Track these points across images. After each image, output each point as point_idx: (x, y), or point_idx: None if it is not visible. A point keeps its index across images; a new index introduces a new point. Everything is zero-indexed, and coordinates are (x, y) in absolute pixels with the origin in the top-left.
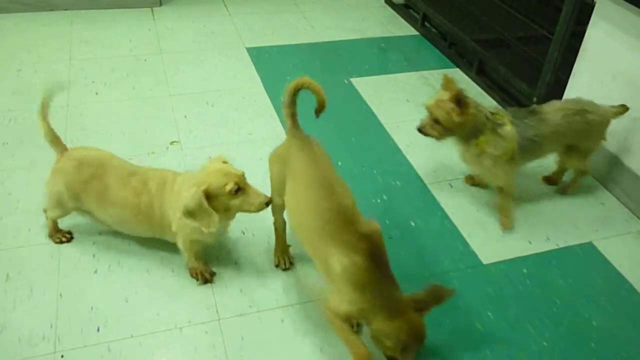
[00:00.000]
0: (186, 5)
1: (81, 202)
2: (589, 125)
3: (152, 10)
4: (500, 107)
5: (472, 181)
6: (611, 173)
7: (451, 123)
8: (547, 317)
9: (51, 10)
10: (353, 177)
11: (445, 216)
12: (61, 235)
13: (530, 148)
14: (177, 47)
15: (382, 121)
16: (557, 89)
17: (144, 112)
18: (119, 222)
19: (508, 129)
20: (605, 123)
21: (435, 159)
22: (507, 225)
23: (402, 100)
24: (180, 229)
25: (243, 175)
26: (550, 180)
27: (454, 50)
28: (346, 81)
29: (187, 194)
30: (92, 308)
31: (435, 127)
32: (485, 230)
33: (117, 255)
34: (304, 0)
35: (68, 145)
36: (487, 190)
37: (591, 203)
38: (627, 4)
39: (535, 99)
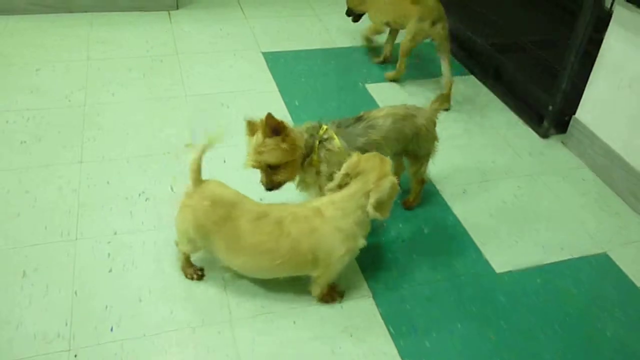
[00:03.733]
0: (203, 8)
1: (211, 242)
2: (418, 129)
3: (169, 13)
4: (322, 120)
5: None
6: (627, 183)
7: (286, 155)
8: (560, 328)
9: (71, 12)
10: None
11: (457, 223)
12: (193, 272)
13: None
14: (193, 49)
15: None
16: (573, 96)
17: (159, 113)
18: (251, 269)
19: (336, 142)
20: (432, 124)
21: (448, 165)
22: None
23: None
24: (347, 251)
25: None
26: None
27: (469, 56)
28: (360, 86)
29: (383, 187)
30: (106, 306)
31: (278, 173)
32: (498, 238)
33: (132, 255)
34: (320, 5)
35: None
36: (501, 198)
37: (606, 213)
38: None
39: (551, 107)
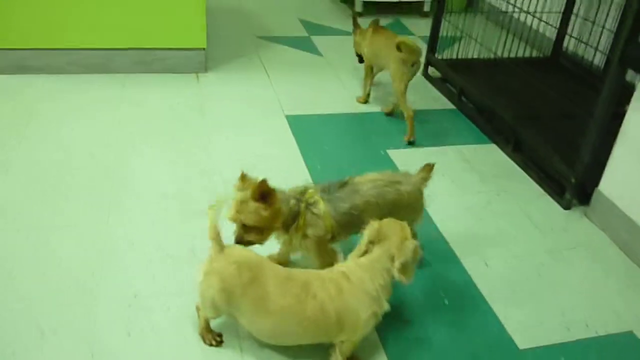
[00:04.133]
0: (230, 72)
1: (236, 307)
2: (401, 196)
3: (197, 76)
4: (308, 184)
5: None
6: None
7: (262, 221)
8: None
9: (106, 73)
10: None
11: (479, 294)
12: (212, 337)
13: (347, 222)
14: (219, 111)
15: None
16: (595, 170)
17: (185, 175)
18: (276, 333)
19: (321, 206)
20: (417, 192)
21: (469, 234)
22: None
23: (438, 174)
24: (373, 315)
25: None
26: None
27: (491, 126)
28: (382, 152)
29: (406, 250)
30: None
31: (250, 233)
32: (522, 314)
33: (151, 319)
34: (344, 71)
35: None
36: (522, 270)
37: (632, 289)
38: None
39: (573, 179)
